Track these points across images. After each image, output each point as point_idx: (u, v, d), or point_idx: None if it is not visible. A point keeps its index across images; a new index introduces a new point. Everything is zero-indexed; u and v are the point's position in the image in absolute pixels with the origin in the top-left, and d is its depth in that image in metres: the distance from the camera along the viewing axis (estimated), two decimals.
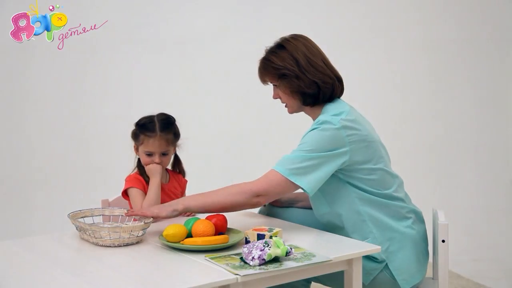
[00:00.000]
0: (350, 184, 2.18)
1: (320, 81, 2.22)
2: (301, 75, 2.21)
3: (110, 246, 1.97)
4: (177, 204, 2.13)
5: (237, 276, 1.68)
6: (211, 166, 4.35)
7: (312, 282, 2.38)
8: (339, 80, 2.28)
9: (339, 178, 2.18)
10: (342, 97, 2.32)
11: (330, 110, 2.22)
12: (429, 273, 2.37)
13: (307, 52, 2.24)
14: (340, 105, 2.24)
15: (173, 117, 2.50)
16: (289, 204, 2.46)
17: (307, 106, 2.28)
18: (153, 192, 2.36)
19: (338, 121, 2.14)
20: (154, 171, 2.40)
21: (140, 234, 2.01)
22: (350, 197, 2.18)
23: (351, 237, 2.16)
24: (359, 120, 2.21)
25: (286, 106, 2.32)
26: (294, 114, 2.35)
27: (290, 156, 2.13)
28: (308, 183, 2.10)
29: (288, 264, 1.77)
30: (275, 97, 2.32)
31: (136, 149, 2.46)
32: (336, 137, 2.12)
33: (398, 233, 2.19)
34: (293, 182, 2.09)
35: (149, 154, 2.42)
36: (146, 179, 2.42)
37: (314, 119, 2.29)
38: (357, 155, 2.16)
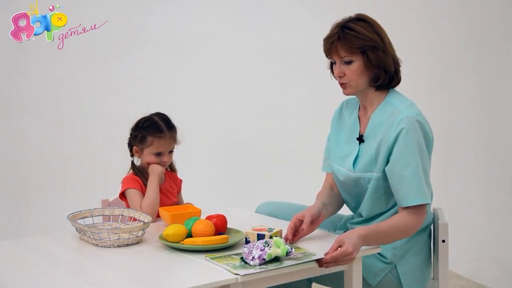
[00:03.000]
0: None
1: (397, 62, 2.12)
2: (386, 50, 2.08)
3: (110, 247, 1.97)
4: (358, 242, 1.88)
5: (237, 276, 1.68)
6: (210, 165, 4.34)
7: (313, 282, 2.38)
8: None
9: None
10: None
11: (399, 100, 2.09)
12: None
13: (384, 30, 2.13)
14: (404, 96, 2.14)
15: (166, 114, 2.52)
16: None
17: (372, 88, 2.11)
18: (152, 191, 2.36)
19: (420, 115, 2.05)
20: (156, 170, 2.40)
21: (140, 234, 2.01)
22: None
23: None
24: None
25: (345, 86, 2.11)
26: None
27: (417, 176, 1.98)
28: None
29: (288, 264, 1.77)
30: (339, 74, 2.09)
31: (138, 152, 2.46)
32: (426, 132, 2.06)
33: (416, 239, 2.16)
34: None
35: (158, 154, 2.43)
36: (143, 179, 2.42)
37: (367, 104, 2.15)
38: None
